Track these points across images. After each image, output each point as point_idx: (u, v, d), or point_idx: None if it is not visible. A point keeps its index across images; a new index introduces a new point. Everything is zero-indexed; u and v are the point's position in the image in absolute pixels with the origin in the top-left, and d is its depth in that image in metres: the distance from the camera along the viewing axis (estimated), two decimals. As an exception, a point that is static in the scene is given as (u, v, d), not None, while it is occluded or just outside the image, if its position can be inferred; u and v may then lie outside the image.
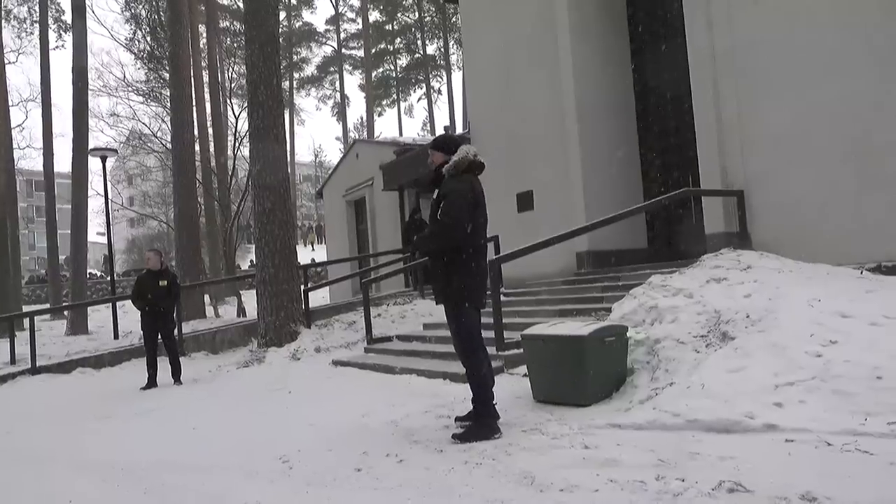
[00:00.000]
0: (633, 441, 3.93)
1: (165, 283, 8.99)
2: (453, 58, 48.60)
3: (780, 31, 7.49)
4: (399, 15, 51.38)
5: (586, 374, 5.00)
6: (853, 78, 6.83)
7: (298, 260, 11.37)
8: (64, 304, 22.84)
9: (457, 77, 47.93)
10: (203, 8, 26.74)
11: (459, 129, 30.83)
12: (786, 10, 7.48)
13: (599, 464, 3.59)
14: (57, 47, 28.68)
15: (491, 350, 5.69)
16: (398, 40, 52.61)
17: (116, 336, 14.95)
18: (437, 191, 4.70)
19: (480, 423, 4.51)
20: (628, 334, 5.42)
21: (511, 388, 5.70)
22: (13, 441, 6.07)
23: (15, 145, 26.34)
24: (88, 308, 19.19)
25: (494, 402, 4.60)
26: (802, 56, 7.27)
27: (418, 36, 51.50)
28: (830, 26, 7.02)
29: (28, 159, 46.62)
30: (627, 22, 10.67)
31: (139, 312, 9.11)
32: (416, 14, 50.31)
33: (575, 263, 10.14)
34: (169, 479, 4.18)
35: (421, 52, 51.82)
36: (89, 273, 31.92)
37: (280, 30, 14.21)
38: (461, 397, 5.61)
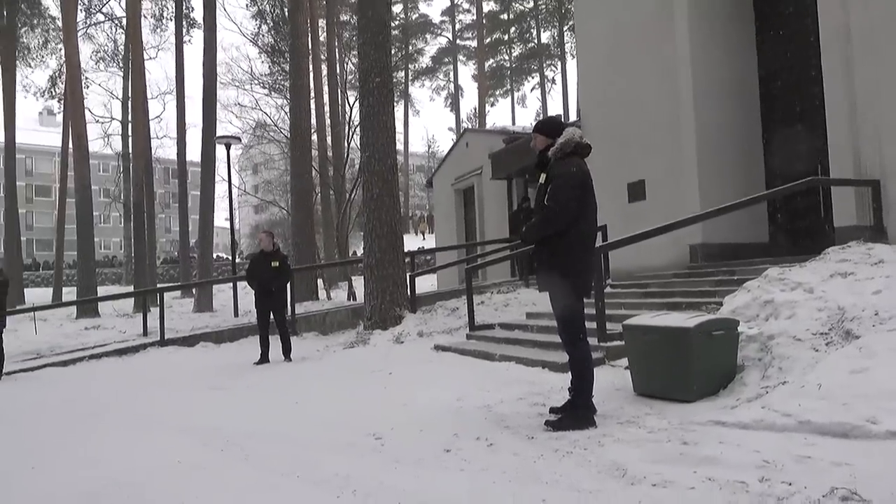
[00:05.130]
0: (736, 440, 3.68)
1: (277, 263, 9.31)
2: (568, 46, 47.69)
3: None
4: (514, 4, 50.99)
5: (690, 368, 4.75)
6: None
7: (405, 246, 11.53)
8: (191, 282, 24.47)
9: (571, 66, 47.15)
10: (324, 2, 27.69)
11: (573, 118, 30.25)
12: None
13: (697, 461, 3.39)
14: (186, 41, 30.57)
15: (593, 341, 5.53)
16: (513, 29, 52.26)
17: (237, 314, 15.86)
18: (543, 175, 4.57)
19: (576, 412, 4.38)
20: (739, 329, 5.10)
21: (611, 380, 5.54)
22: (137, 405, 6.60)
23: (153, 135, 28.51)
24: (214, 287, 20.46)
25: (592, 395, 4.47)
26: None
27: (533, 25, 50.95)
28: None
29: (164, 148, 50.47)
30: (752, 1, 10.01)
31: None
32: (532, 2, 49.72)
33: (687, 257, 9.66)
34: (268, 447, 4.36)
35: (535, 40, 51.26)
36: (217, 255, 34.01)
37: (396, 21, 14.44)
38: (558, 386, 5.51)
